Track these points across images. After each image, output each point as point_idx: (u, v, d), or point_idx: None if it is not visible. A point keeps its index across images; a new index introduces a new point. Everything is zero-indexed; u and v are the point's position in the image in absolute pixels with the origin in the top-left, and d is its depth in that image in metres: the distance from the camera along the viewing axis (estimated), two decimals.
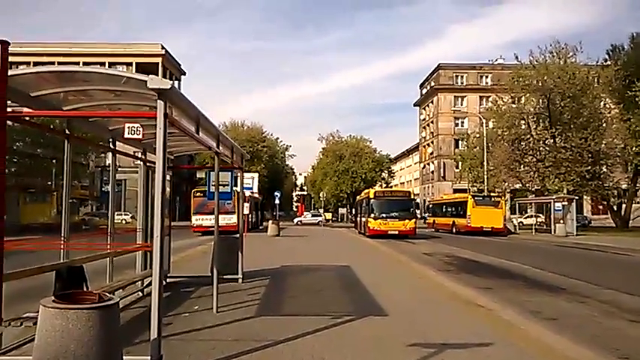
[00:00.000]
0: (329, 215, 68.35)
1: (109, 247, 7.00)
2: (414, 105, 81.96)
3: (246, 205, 27.60)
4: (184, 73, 73.69)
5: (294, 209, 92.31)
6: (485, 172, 40.70)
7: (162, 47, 65.24)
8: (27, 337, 4.49)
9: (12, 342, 4.45)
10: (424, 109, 77.83)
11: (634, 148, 34.11)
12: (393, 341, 5.45)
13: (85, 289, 4.96)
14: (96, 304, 3.26)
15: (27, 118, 5.70)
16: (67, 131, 5.92)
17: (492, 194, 37.86)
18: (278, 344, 5.22)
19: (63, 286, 4.86)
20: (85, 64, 59.18)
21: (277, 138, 69.40)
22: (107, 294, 3.53)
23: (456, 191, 52.57)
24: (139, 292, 7.83)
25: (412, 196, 31.15)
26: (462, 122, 67.75)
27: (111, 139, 7.30)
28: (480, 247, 22.12)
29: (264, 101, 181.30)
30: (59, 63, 56.23)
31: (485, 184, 40.76)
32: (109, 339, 3.25)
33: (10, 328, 4.24)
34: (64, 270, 5.17)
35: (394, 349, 5.14)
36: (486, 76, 68.04)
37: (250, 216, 34.05)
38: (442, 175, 67.66)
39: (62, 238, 5.64)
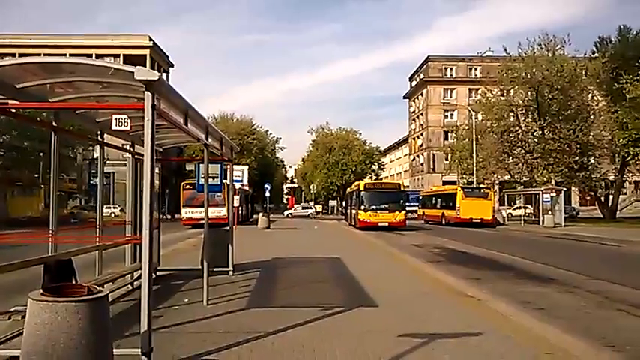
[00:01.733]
0: (319, 208, 68.41)
1: (97, 240, 6.95)
2: (404, 97, 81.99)
3: (236, 197, 27.57)
4: (172, 65, 73.06)
5: (285, 202, 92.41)
6: (475, 164, 40.90)
7: (150, 39, 64.55)
8: (15, 330, 4.45)
9: (0, 336, 4.40)
10: (414, 101, 77.90)
11: (621, 140, 34.43)
12: (383, 332, 5.47)
13: (74, 282, 4.92)
14: (85, 297, 3.24)
15: (13, 111, 5.61)
16: (54, 123, 5.84)
17: (481, 186, 38.10)
18: (269, 335, 5.23)
19: (51, 279, 4.80)
20: (71, 55, 58.32)
21: (267, 131, 69.22)
22: (96, 287, 3.50)
23: (445, 183, 52.77)
24: (129, 285, 7.78)
25: (402, 188, 31.24)
26: (452, 114, 67.88)
27: (99, 132, 7.23)
28: (469, 238, 22.28)
29: (253, 94, 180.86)
30: (45, 54, 55.59)
31: (475, 175, 40.98)
32: (98, 332, 3.22)
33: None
34: (52, 263, 5.12)
35: (385, 340, 5.16)
36: (475, 69, 68.20)
37: (240, 209, 34.01)
38: (432, 167, 67.89)
39: (50, 231, 5.59)
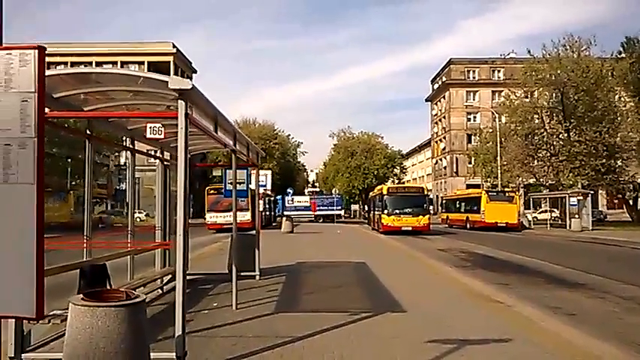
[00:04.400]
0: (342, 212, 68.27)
1: (129, 245, 7.09)
2: (426, 100, 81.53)
3: (260, 202, 27.74)
4: (196, 72, 74.11)
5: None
6: (499, 167, 40.41)
7: (174, 46, 65.60)
8: (54, 334, 4.59)
9: (39, 339, 4.53)
10: (436, 104, 77.40)
11: None
12: (412, 338, 5.46)
13: (108, 287, 5.04)
14: (124, 302, 3.32)
15: (54, 120, 5.78)
16: (88, 132, 6.01)
17: (506, 189, 37.61)
18: (298, 341, 5.26)
19: (87, 284, 4.95)
20: (97, 63, 59.83)
21: (289, 135, 69.45)
22: (134, 292, 3.59)
23: (469, 187, 52.31)
24: (159, 290, 7.92)
25: (425, 192, 31.04)
26: (475, 117, 67.21)
27: (129, 139, 7.40)
28: (495, 242, 22.01)
29: (275, 99, 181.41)
30: (72, 63, 56.99)
31: (499, 179, 40.48)
32: (136, 336, 3.31)
33: (38, 325, 4.33)
34: (87, 268, 5.26)
35: (413, 346, 5.15)
36: (498, 71, 67.45)
37: (264, 213, 34.21)
38: (455, 170, 67.28)
39: (85, 237, 5.73)
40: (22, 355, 4.22)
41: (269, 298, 7.74)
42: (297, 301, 7.94)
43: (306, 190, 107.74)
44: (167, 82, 4.32)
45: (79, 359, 3.18)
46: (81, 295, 3.39)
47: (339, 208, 35.33)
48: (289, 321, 6.25)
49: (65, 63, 55.54)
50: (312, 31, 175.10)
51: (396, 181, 63.43)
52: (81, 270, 5.20)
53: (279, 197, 48.50)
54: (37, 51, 2.27)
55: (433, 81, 78.68)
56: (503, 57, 61.75)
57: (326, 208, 34.43)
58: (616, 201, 49.28)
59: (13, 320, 4.06)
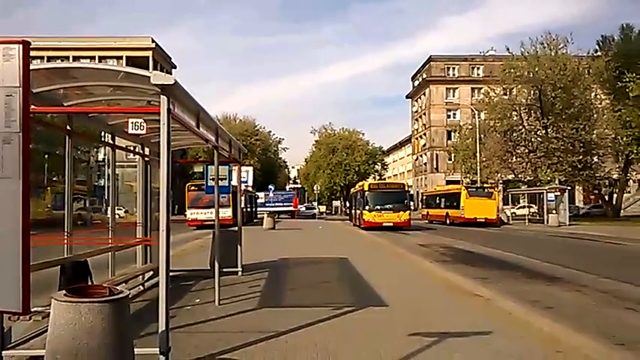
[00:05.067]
0: (323, 208, 68.48)
1: (110, 241, 7.03)
2: (407, 97, 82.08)
3: (242, 198, 27.65)
4: (175, 67, 73.44)
5: None
6: (478, 164, 40.94)
7: (153, 41, 64.90)
8: (35, 330, 4.54)
9: (20, 336, 4.48)
10: (416, 101, 77.94)
11: (625, 138, 34.43)
12: (394, 331, 5.53)
13: (90, 283, 5.00)
14: (108, 297, 3.30)
15: (32, 115, 5.70)
16: (67, 127, 5.93)
17: (485, 185, 38.12)
18: (281, 335, 5.29)
19: (68, 281, 4.90)
20: (74, 58, 58.90)
21: (270, 131, 69.46)
22: (117, 287, 3.57)
23: (449, 183, 52.85)
24: (140, 286, 7.87)
25: (406, 188, 31.28)
26: (455, 114, 67.90)
27: (110, 135, 7.31)
28: (475, 237, 22.31)
29: (255, 95, 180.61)
30: (49, 57, 55.96)
31: (478, 175, 41.02)
32: (120, 331, 3.29)
33: (18, 322, 4.28)
34: (68, 264, 5.21)
35: (396, 339, 5.21)
36: (478, 68, 68.19)
37: (245, 209, 34.10)
38: (435, 166, 67.89)
39: (66, 233, 5.67)
40: (3, 352, 4.16)
41: (252, 294, 7.75)
42: (280, 296, 7.96)
43: (287, 187, 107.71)
44: (149, 77, 4.29)
45: (62, 355, 3.15)
46: (64, 291, 3.36)
47: (292, 204, 36.25)
48: (272, 316, 6.28)
49: (42, 57, 54.50)
50: (293, 27, 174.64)
51: (377, 178, 63.87)
52: (62, 266, 5.14)
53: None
54: (21, 45, 2.25)
55: (414, 78, 79.19)
56: (482, 54, 62.39)
57: (281, 204, 34.87)
58: (592, 197, 50.22)
59: None
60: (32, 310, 4.18)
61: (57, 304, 3.23)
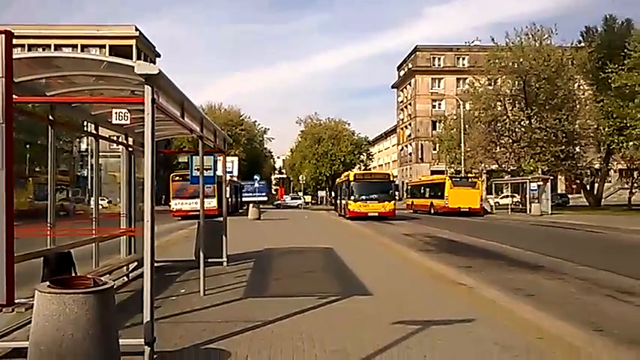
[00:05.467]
0: (309, 198, 68.56)
1: (94, 232, 6.98)
2: (392, 87, 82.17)
3: (227, 189, 27.56)
4: (159, 56, 72.60)
5: (274, 192, 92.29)
6: (463, 154, 41.23)
7: (136, 29, 64.02)
8: (17, 322, 4.51)
9: (3, 328, 4.45)
10: (402, 91, 78.08)
11: (606, 129, 34.86)
12: (378, 320, 5.59)
13: (73, 275, 4.97)
14: (92, 288, 3.30)
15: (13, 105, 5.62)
16: (50, 117, 5.86)
17: (469, 175, 38.45)
18: (267, 324, 5.32)
19: (51, 272, 4.86)
20: (56, 47, 57.91)
21: (255, 121, 69.09)
22: (102, 278, 3.56)
23: (433, 173, 53.18)
24: (125, 277, 7.83)
25: (391, 178, 31.43)
26: (440, 104, 68.19)
27: (93, 125, 7.23)
28: (459, 227, 22.52)
29: (241, 85, 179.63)
30: (30, 45, 54.93)
31: (463, 165, 41.32)
32: (105, 322, 3.29)
33: (1, 314, 4.24)
34: (52, 256, 5.17)
35: (380, 327, 5.27)
36: (463, 58, 68.49)
37: (230, 199, 34.00)
38: (420, 156, 68.27)
39: (49, 224, 5.62)
40: None
41: (237, 284, 7.76)
42: (265, 286, 7.98)
43: (273, 177, 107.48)
44: (133, 67, 4.24)
45: (46, 346, 3.15)
46: (47, 283, 3.34)
47: (264, 194, 36.37)
48: (258, 305, 6.30)
49: (22, 46, 53.49)
50: (278, 17, 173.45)
51: (363, 168, 64.02)
52: (45, 258, 5.10)
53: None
54: (4, 36, 2.23)
55: (399, 68, 79.25)
56: (467, 45, 62.68)
57: (251, 194, 35.02)
58: (574, 186, 50.93)
59: None
60: (15, 302, 4.16)
61: (40, 296, 3.22)
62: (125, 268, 7.95)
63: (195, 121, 6.86)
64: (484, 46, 50.68)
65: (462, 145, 41.33)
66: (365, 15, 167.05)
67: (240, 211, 39.41)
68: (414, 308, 6.27)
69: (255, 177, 41.05)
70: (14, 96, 4.86)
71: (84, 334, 3.17)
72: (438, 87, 69.31)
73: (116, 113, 4.70)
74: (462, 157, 41.26)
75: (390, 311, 5.98)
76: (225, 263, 9.37)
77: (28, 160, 35.28)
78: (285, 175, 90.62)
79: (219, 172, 10.73)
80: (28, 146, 33.39)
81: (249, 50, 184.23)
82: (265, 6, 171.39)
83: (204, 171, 8.37)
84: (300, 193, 65.40)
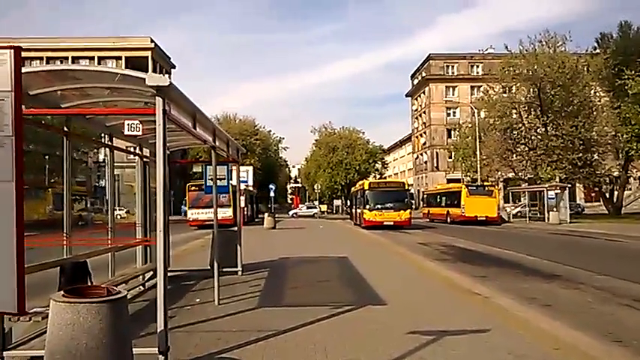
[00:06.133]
0: (324, 207, 68.49)
1: (109, 242, 7.06)
2: (406, 95, 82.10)
3: (242, 198, 27.70)
4: (174, 67, 73.49)
5: (289, 202, 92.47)
6: (478, 162, 40.91)
7: (152, 41, 64.89)
8: (36, 331, 4.57)
9: (20, 337, 4.51)
10: (416, 99, 77.94)
11: (624, 136, 34.36)
12: (392, 329, 5.55)
13: (89, 284, 5.02)
14: (105, 298, 3.33)
15: (29, 117, 5.73)
16: (65, 128, 5.96)
17: (486, 183, 38.08)
18: (281, 334, 5.32)
19: (67, 281, 4.92)
20: (73, 59, 58.97)
21: (270, 130, 69.36)
22: (115, 288, 3.59)
23: (449, 181, 52.82)
24: (141, 287, 7.90)
25: (407, 187, 31.29)
26: (454, 112, 67.88)
27: (108, 136, 7.34)
28: (475, 236, 22.32)
29: (255, 94, 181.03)
30: (48, 58, 56.04)
31: (479, 173, 40.99)
32: (119, 331, 3.31)
33: (19, 323, 4.31)
34: (68, 265, 5.23)
35: (394, 337, 5.24)
36: (477, 66, 68.16)
37: (246, 209, 34.12)
38: (435, 165, 67.92)
39: (65, 234, 5.70)
40: (4, 352, 4.20)
41: (252, 294, 7.78)
42: (279, 295, 7.98)
43: (288, 186, 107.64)
44: (144, 79, 4.31)
45: (61, 354, 3.18)
46: (62, 292, 3.38)
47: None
48: (272, 315, 6.30)
49: (41, 58, 54.62)
50: (291, 26, 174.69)
51: (378, 176, 63.82)
52: (61, 267, 5.17)
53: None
54: (12, 51, 2.29)
55: (413, 76, 79.20)
56: (481, 52, 62.30)
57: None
58: (593, 194, 50.17)
59: None
60: (32, 311, 4.22)
61: (55, 305, 3.25)
62: (141, 277, 8.02)
63: (208, 132, 6.93)
64: (498, 53, 50.29)
65: (478, 153, 41.03)
66: (378, 24, 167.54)
67: (256, 220, 39.53)
68: (428, 318, 6.21)
69: (271, 186, 41.25)
70: (27, 108, 4.99)
71: (98, 343, 3.19)
72: (453, 95, 69.05)
73: (128, 124, 4.77)
74: (478, 165, 40.94)
75: (405, 321, 5.93)
76: (240, 272, 9.40)
77: (47, 171, 35.85)
78: (300, 184, 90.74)
79: (233, 182, 10.82)
80: (46, 157, 33.98)
81: (262, 60, 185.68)
82: (278, 16, 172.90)
83: (219, 181, 8.43)
84: (316, 202, 65.38)
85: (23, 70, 5.12)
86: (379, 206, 28.64)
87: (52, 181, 35.86)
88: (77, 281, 4.98)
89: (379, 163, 68.32)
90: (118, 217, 29.55)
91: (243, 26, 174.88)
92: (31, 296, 5.39)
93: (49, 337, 3.25)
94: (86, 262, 5.57)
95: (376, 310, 6.64)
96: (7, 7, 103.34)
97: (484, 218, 32.36)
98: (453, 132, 61.79)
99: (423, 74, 72.89)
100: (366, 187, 30.43)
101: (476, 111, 43.93)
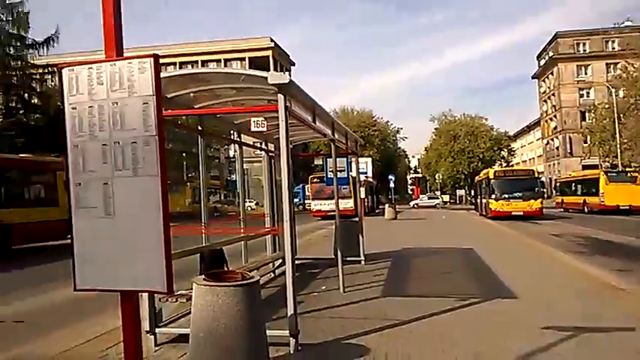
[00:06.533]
0: (446, 197, 66.72)
1: (242, 231, 7.55)
2: (532, 77, 76.85)
3: (362, 189, 27.95)
4: (294, 64, 75.97)
5: (409, 192, 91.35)
6: (618, 146, 37.22)
7: (272, 40, 67.66)
8: (183, 311, 5.05)
9: (169, 316, 5.01)
10: (543, 81, 72.69)
11: None
12: (525, 324, 5.28)
13: (226, 270, 5.41)
14: (241, 282, 3.58)
15: (169, 119, 6.29)
16: (199, 127, 6.46)
17: (628, 169, 34.51)
18: (406, 324, 5.31)
19: (207, 267, 5.36)
20: (202, 62, 63.37)
21: (388, 121, 68.93)
22: (249, 273, 3.85)
23: (585, 168, 48.75)
24: (271, 273, 8.35)
25: (536, 175, 29.37)
26: (588, 93, 62.26)
27: (236, 132, 7.84)
28: (616, 227, 20.34)
29: (372, 86, 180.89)
30: (181, 63, 60.86)
31: (619, 158, 37.29)
32: (253, 314, 3.55)
33: (167, 304, 4.79)
34: (207, 252, 5.70)
35: (527, 332, 4.98)
36: (612, 41, 61.72)
37: (366, 200, 34.40)
38: (568, 150, 62.92)
39: (203, 224, 6.20)
40: (156, 329, 4.70)
41: (375, 283, 7.84)
42: (403, 285, 7.96)
43: (408, 177, 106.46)
44: (266, 77, 4.54)
45: (204, 333, 3.49)
46: (203, 276, 3.70)
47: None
48: (397, 304, 6.31)
49: (174, 63, 59.48)
50: (407, 15, 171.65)
51: (504, 165, 60.69)
52: (201, 254, 5.65)
53: (299, 187, 48.10)
54: (152, 59, 2.56)
55: (539, 57, 73.90)
56: (617, 26, 56.34)
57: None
58: None
59: (147, 300, 4.54)
60: (177, 293, 4.66)
61: (197, 288, 3.58)
62: (271, 264, 8.47)
63: (327, 125, 7.12)
64: (637, 26, 45.26)
65: (617, 136, 37.33)
66: (497, 5, 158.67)
67: (376, 211, 39.67)
68: (564, 313, 5.83)
69: (390, 177, 41.11)
70: (165, 110, 5.48)
71: (235, 324, 3.45)
72: (585, 74, 63.22)
73: (254, 121, 5.05)
74: (618, 150, 37.24)
75: (537, 316, 5.61)
76: (362, 262, 9.53)
77: (184, 168, 39.16)
78: (420, 175, 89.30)
79: (353, 174, 10.97)
80: (184, 154, 37.10)
81: (379, 51, 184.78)
82: (393, 6, 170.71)
83: (339, 172, 8.61)
84: (437, 193, 63.93)
85: (163, 75, 5.70)
86: (506, 195, 27.25)
87: (190, 175, 39.07)
88: (215, 267, 5.40)
89: (505, 150, 64.95)
90: (249, 208, 31.36)
91: (356, 18, 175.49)
92: (176, 280, 5.97)
93: (193, 317, 3.58)
94: (222, 250, 6.02)
95: (506, 304, 6.36)
96: (145, 18, 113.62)
97: (627, 207, 29.33)
98: (587, 114, 56.72)
99: (550, 54, 67.67)
100: (492, 175, 29.12)
101: (613, 90, 39.93)
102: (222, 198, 44.88)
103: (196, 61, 63.26)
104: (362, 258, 9.54)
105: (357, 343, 4.69)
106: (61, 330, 5.72)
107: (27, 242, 14.96)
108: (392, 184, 41.05)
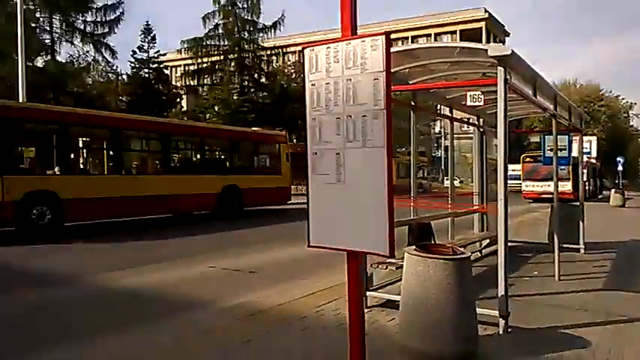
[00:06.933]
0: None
1: (449, 207, 7.53)
2: None
3: (584, 171, 25.22)
4: (508, 34, 71.22)
5: None
6: None
7: (486, 11, 64.29)
8: (389, 279, 5.31)
9: (379, 282, 5.31)
10: None
11: None
12: None
13: (433, 243, 5.51)
14: (452, 256, 3.63)
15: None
16: (412, 102, 6.57)
17: None
18: (634, 322, 4.75)
19: (415, 239, 5.51)
20: (412, 38, 63.40)
21: (618, 96, 60.51)
22: (459, 248, 3.86)
23: None
24: (478, 252, 8.18)
25: None
26: None
27: (448, 108, 7.76)
28: None
29: (598, 55, 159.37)
30: (392, 40, 62.03)
31: None
32: (463, 289, 3.57)
33: (378, 270, 5.08)
34: (415, 225, 5.85)
35: None
36: None
37: (587, 183, 31.07)
38: None
39: (412, 198, 6.37)
40: (367, 292, 5.03)
41: (596, 274, 7.12)
42: (630, 279, 7.06)
43: None
44: (486, 50, 4.41)
45: (414, 302, 3.63)
46: (414, 247, 3.84)
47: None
48: (621, 300, 5.66)
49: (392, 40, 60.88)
50: None
51: None
52: (409, 226, 5.82)
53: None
54: (384, 37, 2.71)
55: None
56: None
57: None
58: None
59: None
60: (387, 261, 4.90)
61: (409, 257, 3.72)
62: (478, 243, 8.28)
63: (548, 99, 6.62)
64: None
65: None
66: None
67: (599, 196, 35.52)
68: None
69: (619, 159, 36.47)
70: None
71: (445, 298, 3.52)
72: None
73: (470, 96, 4.95)
74: None
75: None
76: (582, 250, 8.70)
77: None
78: None
79: (574, 153, 10.01)
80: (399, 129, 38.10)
81: (608, 15, 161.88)
82: None
83: (559, 151, 7.95)
84: None
85: None
86: None
87: (398, 150, 39.90)
88: (423, 239, 5.53)
89: None
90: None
91: None
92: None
93: (404, 284, 3.75)
94: (430, 224, 6.12)
95: None
96: None
97: None
98: None
99: None
100: None
101: None
102: (426, 174, 44.82)
103: (406, 37, 63.54)
104: (581, 246, 8.70)
105: (574, 334, 4.36)
106: (287, 283, 6.53)
107: (254, 205, 17.04)
108: (620, 167, 36.36)
